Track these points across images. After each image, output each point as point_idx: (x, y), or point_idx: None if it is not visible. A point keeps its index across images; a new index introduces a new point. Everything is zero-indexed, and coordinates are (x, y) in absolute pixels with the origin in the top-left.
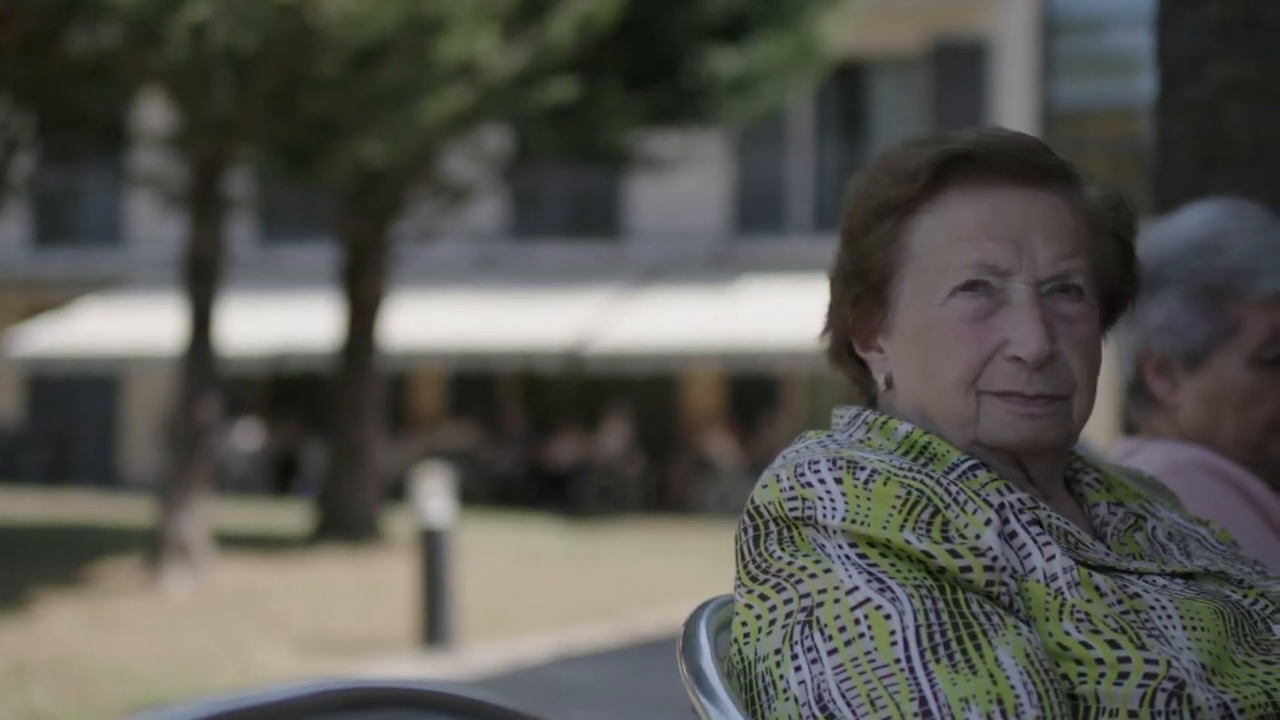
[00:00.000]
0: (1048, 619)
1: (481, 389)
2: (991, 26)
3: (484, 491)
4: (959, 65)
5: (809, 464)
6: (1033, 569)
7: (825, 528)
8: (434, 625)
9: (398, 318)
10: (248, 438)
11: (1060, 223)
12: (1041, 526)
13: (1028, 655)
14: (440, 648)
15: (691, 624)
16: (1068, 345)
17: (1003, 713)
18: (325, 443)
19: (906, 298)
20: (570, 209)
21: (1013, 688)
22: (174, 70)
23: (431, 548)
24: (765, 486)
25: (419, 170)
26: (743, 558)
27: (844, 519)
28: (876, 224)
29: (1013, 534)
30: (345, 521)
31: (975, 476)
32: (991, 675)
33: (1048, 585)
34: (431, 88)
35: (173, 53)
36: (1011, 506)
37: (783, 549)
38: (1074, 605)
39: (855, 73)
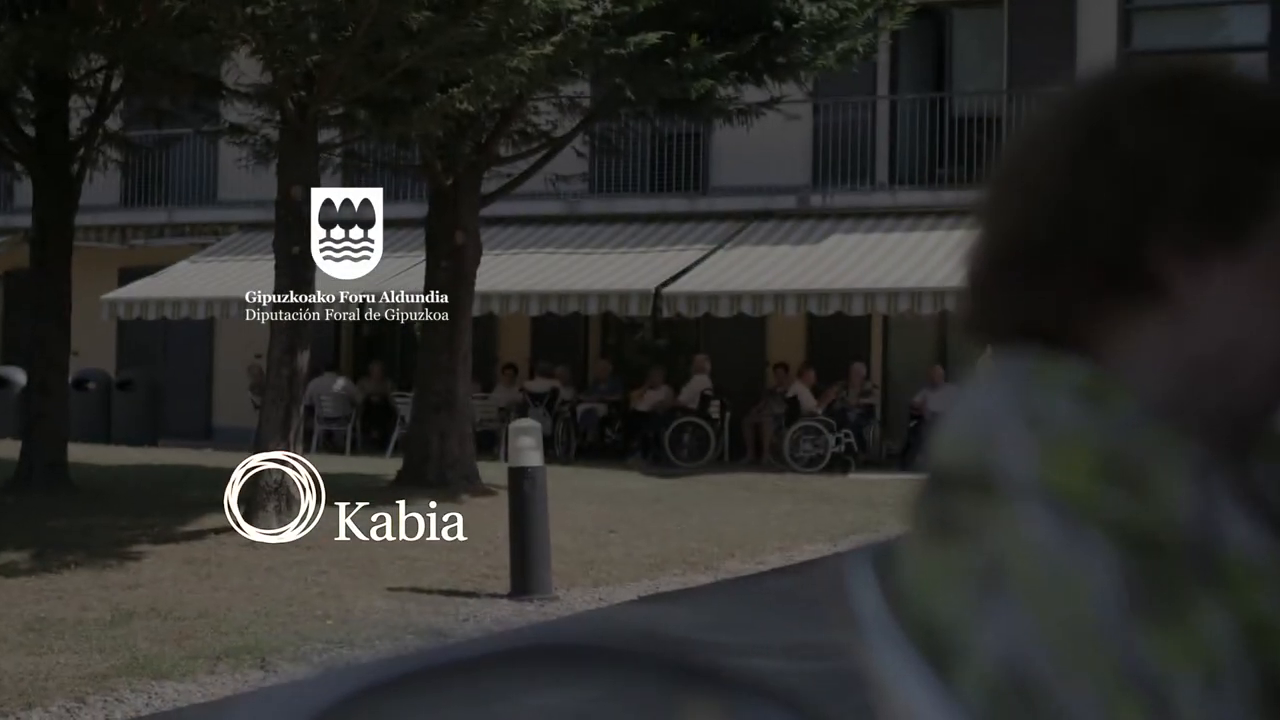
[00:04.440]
0: (1244, 586)
1: (569, 338)
2: None
3: (572, 439)
4: (1040, 7)
5: (992, 413)
6: (1227, 533)
7: (1014, 480)
8: (525, 570)
9: (485, 268)
10: (339, 387)
11: None
12: (1227, 489)
13: (1225, 622)
14: (531, 593)
15: (850, 564)
16: None
17: (1203, 680)
18: (415, 391)
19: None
20: (655, 162)
21: (1211, 654)
22: (263, 22)
23: (521, 494)
24: (946, 438)
25: (505, 121)
26: (924, 514)
27: (1036, 469)
28: (1258, 162)
29: (1207, 494)
30: (436, 469)
31: (1160, 430)
32: (1190, 641)
33: (1243, 550)
34: (517, 38)
35: (262, 5)
36: (1204, 465)
37: (969, 503)
38: (1272, 572)
39: (933, 17)
